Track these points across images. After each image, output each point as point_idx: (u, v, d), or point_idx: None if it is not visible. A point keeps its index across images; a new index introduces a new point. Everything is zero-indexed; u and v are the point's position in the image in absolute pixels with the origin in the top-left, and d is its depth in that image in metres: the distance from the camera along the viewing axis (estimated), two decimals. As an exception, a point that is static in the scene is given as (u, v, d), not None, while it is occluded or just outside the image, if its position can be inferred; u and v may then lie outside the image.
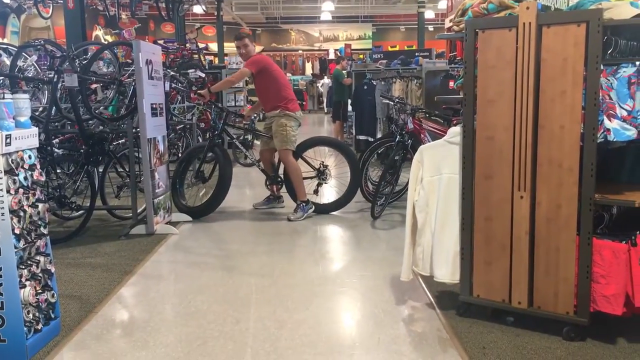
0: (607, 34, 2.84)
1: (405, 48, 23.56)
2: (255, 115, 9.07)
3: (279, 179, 6.24)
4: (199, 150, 6.30)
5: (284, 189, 6.25)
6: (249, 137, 8.27)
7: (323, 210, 6.15)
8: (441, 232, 3.44)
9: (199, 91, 6.32)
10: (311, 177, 6.21)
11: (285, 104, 5.95)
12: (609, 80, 2.86)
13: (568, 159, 2.87)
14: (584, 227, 2.88)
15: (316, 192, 6.23)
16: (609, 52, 2.86)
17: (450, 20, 3.75)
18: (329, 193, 6.34)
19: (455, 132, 3.39)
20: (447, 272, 3.42)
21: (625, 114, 2.83)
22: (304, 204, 5.95)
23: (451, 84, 7.75)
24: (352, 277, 4.21)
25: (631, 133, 2.83)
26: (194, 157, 6.41)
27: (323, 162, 6.24)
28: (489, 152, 3.12)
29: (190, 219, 5.87)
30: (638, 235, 2.85)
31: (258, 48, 29.64)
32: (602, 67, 2.81)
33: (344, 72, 12.46)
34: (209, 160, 6.38)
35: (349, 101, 11.66)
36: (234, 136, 6.91)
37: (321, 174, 6.18)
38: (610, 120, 2.84)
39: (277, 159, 6.24)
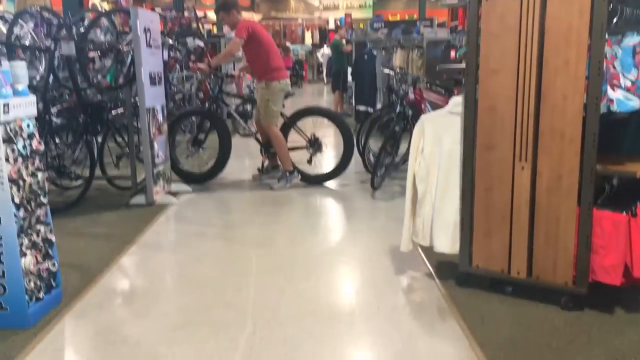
0: (613, 2, 2.80)
1: (407, 17, 23.28)
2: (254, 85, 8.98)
3: (272, 149, 6.22)
4: (194, 114, 6.30)
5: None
6: (248, 106, 8.20)
7: (315, 180, 6.14)
8: (441, 203, 3.44)
9: (199, 65, 6.25)
10: (303, 147, 6.18)
11: (270, 73, 5.86)
12: (613, 49, 2.83)
13: (570, 129, 2.85)
14: (584, 197, 2.87)
15: (309, 161, 6.19)
16: (615, 20, 2.82)
17: (453, -12, 3.69)
18: (322, 164, 6.31)
19: (457, 102, 3.36)
20: (447, 242, 3.43)
21: (629, 84, 2.81)
22: (288, 173, 5.96)
23: (453, 53, 7.66)
24: (352, 247, 4.23)
25: (635, 103, 2.81)
26: (188, 118, 6.39)
27: (314, 133, 6.18)
28: (490, 122, 3.09)
29: (190, 189, 5.86)
30: (638, 206, 2.85)
31: (257, 17, 29.32)
32: (607, 36, 2.77)
33: (343, 40, 12.34)
34: (204, 130, 6.37)
35: (349, 71, 11.57)
36: (230, 104, 6.86)
37: (312, 145, 6.14)
38: (613, 90, 2.82)
39: None
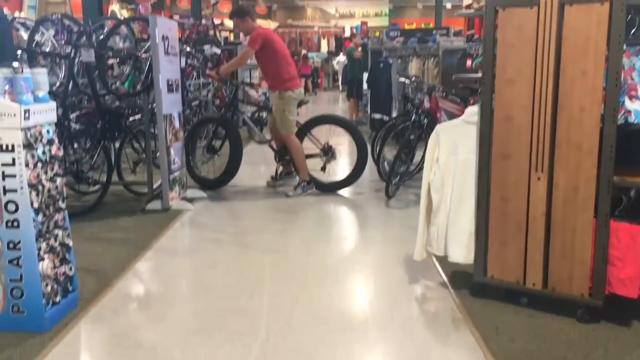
0: (631, 13, 2.78)
1: (423, 26, 23.26)
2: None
3: (286, 156, 6.24)
4: (208, 121, 6.37)
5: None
6: (263, 114, 8.25)
7: (328, 188, 6.13)
8: (456, 213, 3.43)
9: (209, 72, 6.33)
10: (316, 156, 6.18)
11: (283, 83, 5.86)
12: (631, 60, 2.81)
13: (587, 141, 2.83)
14: (601, 209, 2.85)
15: (323, 169, 6.19)
16: (632, 32, 2.81)
17: (470, -2, 3.69)
18: (336, 172, 6.33)
19: (472, 111, 3.36)
20: (462, 252, 3.42)
21: (647, 95, 2.78)
22: (305, 184, 5.97)
23: (469, 62, 7.65)
24: (366, 255, 4.23)
25: (653, 115, 2.79)
26: (203, 127, 6.47)
27: (327, 142, 6.18)
28: (506, 132, 3.08)
29: (205, 195, 5.91)
30: (656, 218, 2.82)
31: (273, 24, 29.47)
32: (624, 47, 2.76)
33: (358, 48, 12.36)
34: (220, 136, 6.43)
35: (364, 79, 11.58)
36: (244, 112, 6.90)
37: (326, 153, 6.14)
38: (631, 101, 2.80)
39: None
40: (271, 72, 5.95)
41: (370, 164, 6.20)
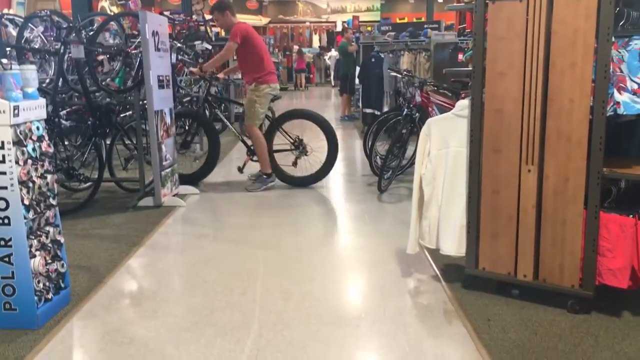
0: (619, 5, 2.80)
1: (414, 20, 23.28)
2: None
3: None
4: (182, 115, 6.48)
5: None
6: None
7: (300, 183, 6.18)
8: (448, 206, 3.45)
9: (191, 68, 6.38)
10: (288, 150, 6.23)
11: (260, 77, 5.95)
12: (620, 52, 2.82)
13: (577, 133, 2.85)
14: (591, 200, 2.87)
15: (294, 164, 6.23)
16: (621, 24, 2.82)
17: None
18: (307, 166, 6.35)
19: (463, 105, 3.37)
20: (453, 245, 3.44)
21: (635, 87, 2.80)
22: (265, 177, 6.05)
23: (460, 56, 7.65)
24: (359, 249, 4.24)
25: (641, 106, 2.80)
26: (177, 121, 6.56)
27: (299, 136, 6.24)
28: (497, 125, 3.10)
29: (197, 191, 5.91)
30: (646, 209, 2.85)
31: (265, 20, 29.40)
32: (613, 39, 2.77)
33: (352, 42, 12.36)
34: (193, 132, 6.50)
35: (357, 74, 11.58)
36: (216, 107, 6.96)
37: (297, 147, 6.19)
38: (620, 94, 2.82)
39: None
40: (249, 65, 6.04)
41: (362, 158, 6.20)
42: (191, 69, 6.39)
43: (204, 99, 6.58)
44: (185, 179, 6.12)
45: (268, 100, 6.04)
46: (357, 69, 11.26)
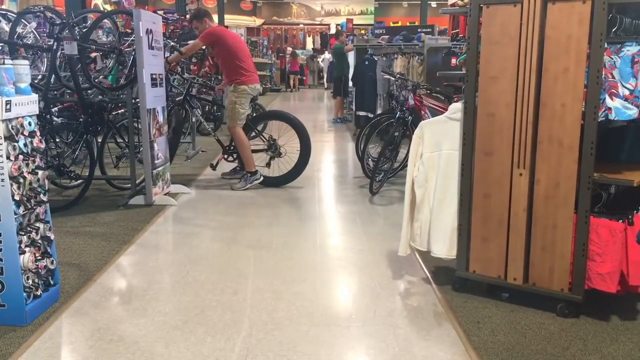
0: (612, 12, 2.82)
1: (407, 24, 23.35)
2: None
3: (233, 151, 6.31)
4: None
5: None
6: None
7: (273, 183, 6.22)
8: (439, 208, 3.46)
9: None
10: (262, 150, 6.28)
11: (239, 77, 6.01)
12: (612, 58, 2.85)
13: (568, 137, 2.87)
14: (581, 205, 2.89)
15: (268, 165, 6.28)
16: (614, 30, 2.85)
17: (455, -5, 3.71)
18: (281, 166, 6.36)
19: (456, 108, 3.38)
20: (444, 247, 3.45)
21: (627, 93, 2.83)
22: (249, 175, 6.09)
23: (453, 61, 7.69)
24: (350, 251, 4.24)
25: (632, 112, 2.83)
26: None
27: (271, 136, 6.30)
28: (489, 128, 3.12)
29: (189, 190, 5.90)
30: (635, 214, 2.87)
31: (259, 21, 29.37)
32: (606, 45, 2.80)
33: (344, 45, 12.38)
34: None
35: (350, 76, 11.59)
36: (195, 106, 6.98)
37: (271, 148, 6.23)
38: (612, 99, 2.84)
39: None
40: (227, 66, 6.12)
41: (354, 160, 6.21)
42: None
43: (183, 100, 6.64)
44: None
45: (248, 100, 6.10)
46: (351, 71, 11.27)
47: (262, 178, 6.14)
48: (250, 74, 6.12)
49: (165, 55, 6.07)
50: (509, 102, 3.03)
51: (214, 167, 6.47)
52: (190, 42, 8.78)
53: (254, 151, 6.20)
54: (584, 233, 2.91)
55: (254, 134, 6.29)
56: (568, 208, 2.93)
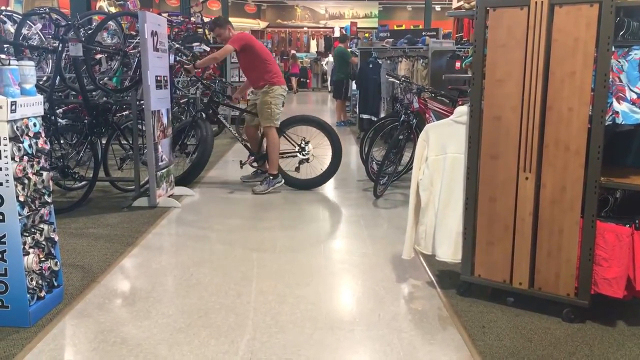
0: (620, 15, 2.81)
1: (412, 28, 23.33)
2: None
3: (264, 155, 6.27)
4: (186, 127, 6.46)
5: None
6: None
7: (303, 186, 6.20)
8: (444, 212, 3.44)
9: (185, 66, 6.36)
10: (292, 154, 6.25)
11: (271, 77, 6.04)
12: (619, 62, 2.83)
13: (575, 141, 2.85)
14: (588, 209, 2.87)
15: (297, 169, 6.26)
16: (621, 33, 2.83)
17: (461, -2, 3.70)
18: (311, 170, 6.35)
19: (462, 111, 3.37)
20: (449, 251, 3.43)
21: (634, 96, 2.81)
22: (271, 178, 6.06)
23: (457, 64, 7.68)
24: (354, 254, 4.22)
25: (640, 116, 2.81)
26: (185, 133, 6.54)
27: (304, 138, 6.27)
28: (495, 132, 3.10)
29: (193, 193, 5.90)
30: (642, 219, 2.85)
31: (263, 24, 29.42)
32: (613, 48, 2.78)
33: (349, 50, 12.35)
34: (194, 135, 6.47)
35: (352, 79, 11.59)
36: (219, 112, 6.96)
37: (302, 151, 6.21)
38: (619, 103, 2.82)
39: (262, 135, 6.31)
40: (258, 69, 6.08)
41: (358, 163, 6.20)
42: (186, 66, 6.37)
43: (207, 106, 6.55)
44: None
45: (281, 101, 6.10)
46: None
47: (283, 181, 6.13)
48: (280, 76, 6.17)
49: (178, 59, 6.09)
50: (515, 106, 3.01)
51: (242, 165, 6.41)
52: (195, 44, 8.83)
53: (285, 155, 6.19)
54: (591, 237, 2.89)
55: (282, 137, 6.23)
56: (574, 212, 2.91)
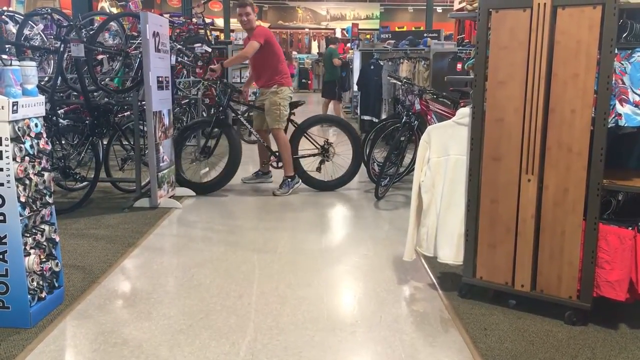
0: (623, 17, 2.80)
1: (413, 29, 23.34)
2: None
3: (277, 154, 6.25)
4: (204, 125, 6.29)
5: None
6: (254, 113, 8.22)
7: (325, 187, 6.19)
8: (446, 213, 3.44)
9: (211, 66, 6.29)
10: (314, 155, 6.23)
11: (281, 78, 6.02)
12: (622, 64, 2.83)
13: (578, 143, 2.85)
14: (590, 212, 2.87)
15: (319, 169, 6.24)
16: (624, 35, 2.83)
17: (463, 0, 3.70)
18: (332, 171, 6.33)
19: (464, 113, 3.37)
20: (451, 253, 3.42)
21: (637, 99, 2.80)
22: (289, 180, 6.04)
23: (459, 66, 7.67)
24: (355, 255, 4.22)
25: (642, 119, 2.80)
26: (197, 130, 6.44)
27: (327, 139, 6.27)
28: (497, 134, 3.09)
29: (193, 193, 5.89)
30: (645, 221, 2.84)
31: (264, 25, 29.40)
32: (616, 51, 2.77)
33: (336, 50, 12.43)
34: (214, 136, 6.37)
35: (346, 80, 11.60)
36: (239, 112, 6.86)
37: (325, 152, 6.20)
38: (622, 105, 2.82)
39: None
40: (271, 67, 6.01)
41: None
42: (211, 66, 6.25)
43: (226, 105, 6.37)
44: (199, 188, 6.01)
45: (288, 102, 6.05)
46: (356, 75, 11.27)
47: (300, 181, 6.14)
48: (289, 77, 6.15)
49: (172, 61, 6.05)
50: (518, 108, 3.01)
51: (275, 165, 6.37)
52: (197, 45, 8.81)
53: (306, 156, 6.17)
54: (593, 240, 2.88)
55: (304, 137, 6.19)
56: (577, 215, 2.90)
